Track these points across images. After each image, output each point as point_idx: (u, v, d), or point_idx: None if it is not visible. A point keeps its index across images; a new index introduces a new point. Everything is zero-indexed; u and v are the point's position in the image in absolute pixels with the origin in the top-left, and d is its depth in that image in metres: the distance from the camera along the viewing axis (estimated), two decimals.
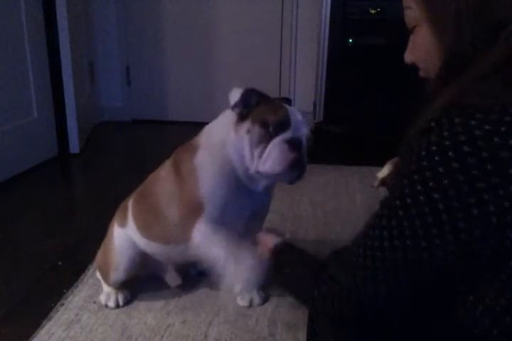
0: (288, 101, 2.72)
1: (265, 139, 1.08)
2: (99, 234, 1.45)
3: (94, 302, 1.42)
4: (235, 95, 1.12)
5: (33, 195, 2.24)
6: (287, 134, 1.09)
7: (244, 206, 1.21)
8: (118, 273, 1.38)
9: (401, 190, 0.69)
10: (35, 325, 1.32)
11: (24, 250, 1.73)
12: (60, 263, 1.64)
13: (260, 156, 1.09)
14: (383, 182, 1.02)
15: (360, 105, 2.86)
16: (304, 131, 1.13)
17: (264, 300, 1.40)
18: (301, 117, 1.14)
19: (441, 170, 0.64)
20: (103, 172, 2.56)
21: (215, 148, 1.17)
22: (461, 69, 0.71)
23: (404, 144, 0.76)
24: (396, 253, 0.69)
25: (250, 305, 1.38)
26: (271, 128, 1.08)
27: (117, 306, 1.40)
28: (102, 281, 1.44)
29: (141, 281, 1.53)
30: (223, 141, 1.16)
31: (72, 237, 1.82)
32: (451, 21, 0.73)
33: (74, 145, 2.76)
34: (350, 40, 2.74)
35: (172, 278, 1.48)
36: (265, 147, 1.08)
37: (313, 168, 2.49)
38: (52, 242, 1.78)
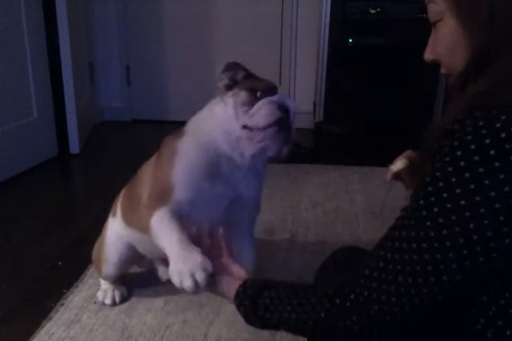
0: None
1: (251, 101, 1.08)
2: (99, 234, 1.45)
3: (95, 303, 1.42)
4: (219, 67, 1.15)
5: (33, 195, 2.24)
6: (275, 97, 1.08)
7: (222, 195, 1.14)
8: (108, 266, 1.38)
9: (426, 199, 0.65)
10: (35, 325, 1.32)
11: (24, 250, 1.73)
12: (60, 263, 1.64)
13: (246, 113, 1.07)
14: (398, 175, 0.99)
15: (360, 105, 2.86)
16: (291, 105, 1.09)
17: None
18: (286, 92, 1.18)
19: (467, 175, 0.61)
20: (103, 173, 2.56)
21: (200, 133, 1.17)
22: (490, 66, 0.69)
23: (428, 143, 0.72)
24: (426, 265, 0.65)
25: None
26: (258, 94, 1.07)
27: (114, 303, 1.41)
28: (100, 278, 1.45)
29: (141, 281, 1.53)
30: (209, 125, 1.16)
31: (72, 237, 1.82)
32: (485, 14, 0.69)
33: (74, 145, 2.76)
34: (350, 40, 2.75)
35: (163, 273, 1.48)
36: (252, 106, 1.07)
37: (313, 168, 2.52)
38: (52, 242, 1.78)
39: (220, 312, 1.31)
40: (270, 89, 1.10)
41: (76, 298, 1.44)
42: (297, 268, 1.54)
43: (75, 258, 1.67)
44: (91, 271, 1.58)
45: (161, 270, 1.52)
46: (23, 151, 2.46)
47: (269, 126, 1.04)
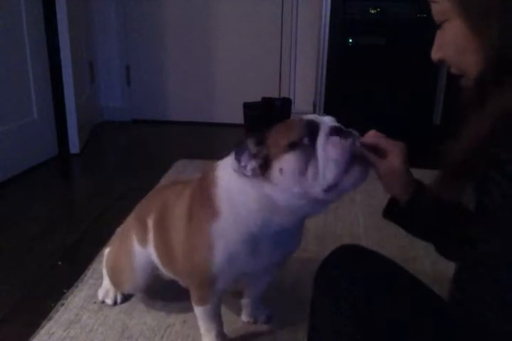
0: (288, 101, 2.69)
1: (307, 155, 0.87)
2: (99, 234, 1.45)
3: (95, 303, 1.42)
4: (235, 159, 0.92)
5: (33, 195, 2.24)
6: (324, 129, 0.88)
7: (269, 261, 1.08)
8: (135, 286, 1.36)
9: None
10: (35, 325, 1.32)
11: (24, 250, 1.73)
12: (60, 263, 1.64)
13: (317, 173, 0.87)
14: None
15: (360, 105, 2.86)
16: (332, 121, 0.92)
17: (269, 317, 1.35)
18: (326, 117, 0.93)
19: None
20: (103, 173, 2.56)
21: (240, 214, 0.98)
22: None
23: (453, 164, 0.67)
24: None
25: (253, 321, 1.35)
26: (305, 141, 0.88)
27: (115, 303, 1.41)
28: (106, 279, 1.45)
29: None
30: (246, 205, 0.97)
31: (72, 237, 1.82)
32: (496, 12, 0.63)
33: (74, 145, 2.76)
34: (350, 40, 2.75)
35: None
36: (314, 161, 0.87)
37: None
38: (52, 242, 1.78)
39: (220, 313, 1.31)
40: (309, 124, 0.89)
41: (76, 298, 1.44)
42: (297, 268, 1.54)
43: (75, 258, 1.67)
44: (91, 271, 1.58)
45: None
46: (23, 151, 2.46)
47: (347, 163, 0.87)
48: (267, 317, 1.35)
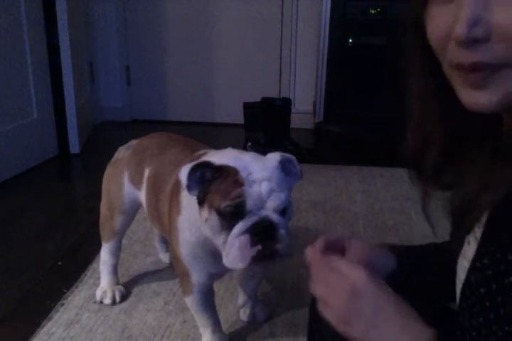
0: (288, 101, 2.71)
1: (225, 229, 0.92)
2: (99, 234, 1.45)
3: (94, 302, 1.42)
4: (183, 175, 0.92)
5: (33, 194, 2.24)
6: (246, 221, 0.90)
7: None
8: (118, 222, 1.39)
9: None
10: (35, 325, 1.32)
11: (24, 250, 1.73)
12: (60, 263, 1.64)
13: (224, 248, 0.93)
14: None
15: (360, 105, 2.86)
16: (273, 204, 0.91)
17: (268, 315, 1.36)
18: (267, 186, 0.91)
19: None
20: (103, 173, 2.56)
21: (193, 218, 1.02)
22: None
23: (469, 223, 0.56)
24: None
25: (253, 320, 1.35)
26: (228, 217, 0.91)
27: (114, 302, 1.42)
28: (104, 280, 1.46)
29: (141, 281, 1.53)
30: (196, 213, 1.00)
31: (72, 237, 1.82)
32: None
33: (74, 145, 2.76)
34: (350, 40, 2.74)
35: (164, 257, 1.63)
36: (227, 237, 0.92)
37: (313, 168, 2.52)
38: (52, 242, 1.78)
39: (220, 312, 1.31)
40: (237, 206, 0.90)
41: (76, 298, 1.44)
42: (297, 268, 1.54)
43: (75, 258, 1.67)
44: (91, 271, 1.58)
45: (161, 254, 1.64)
46: (23, 151, 2.46)
47: (246, 265, 0.92)
48: (266, 316, 1.35)
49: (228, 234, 0.92)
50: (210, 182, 0.93)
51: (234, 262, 0.92)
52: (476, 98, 0.50)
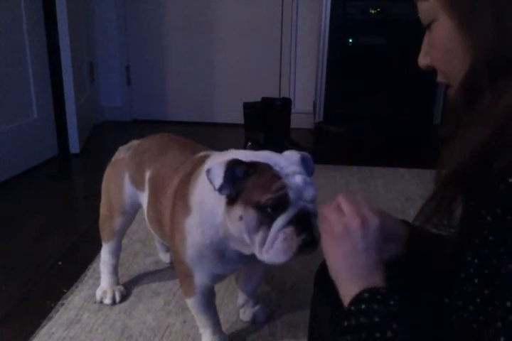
0: (288, 101, 2.71)
1: (265, 224, 0.92)
2: (99, 234, 1.45)
3: (94, 302, 1.42)
4: (216, 175, 0.91)
5: (33, 195, 2.24)
6: (289, 212, 0.92)
7: (238, 263, 1.11)
8: (118, 221, 1.39)
9: None
10: (35, 325, 1.32)
11: (24, 250, 1.73)
12: (60, 263, 1.65)
13: (263, 244, 0.92)
14: None
15: (360, 105, 2.86)
16: (309, 194, 0.95)
17: (267, 316, 1.36)
18: (301, 178, 0.96)
19: None
20: (103, 173, 2.56)
21: (206, 219, 1.01)
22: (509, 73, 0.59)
23: (453, 177, 0.64)
24: None
25: (253, 320, 1.35)
26: (269, 210, 0.91)
27: (114, 302, 1.42)
28: (104, 280, 1.45)
29: (141, 281, 1.53)
30: (214, 215, 1.00)
31: (72, 237, 1.82)
32: (487, 11, 0.60)
33: (74, 145, 2.76)
34: (350, 40, 2.74)
35: (164, 257, 1.64)
36: (267, 231, 0.92)
37: None
38: (52, 242, 1.78)
39: (220, 313, 1.31)
40: (280, 199, 0.91)
41: (76, 298, 1.44)
42: (297, 268, 1.54)
43: (75, 258, 1.67)
44: (91, 271, 1.58)
45: (161, 254, 1.65)
46: (23, 151, 2.46)
47: (290, 258, 0.93)
48: (266, 316, 1.35)
49: (267, 229, 0.91)
50: (244, 179, 0.93)
51: (278, 256, 0.92)
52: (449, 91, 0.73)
